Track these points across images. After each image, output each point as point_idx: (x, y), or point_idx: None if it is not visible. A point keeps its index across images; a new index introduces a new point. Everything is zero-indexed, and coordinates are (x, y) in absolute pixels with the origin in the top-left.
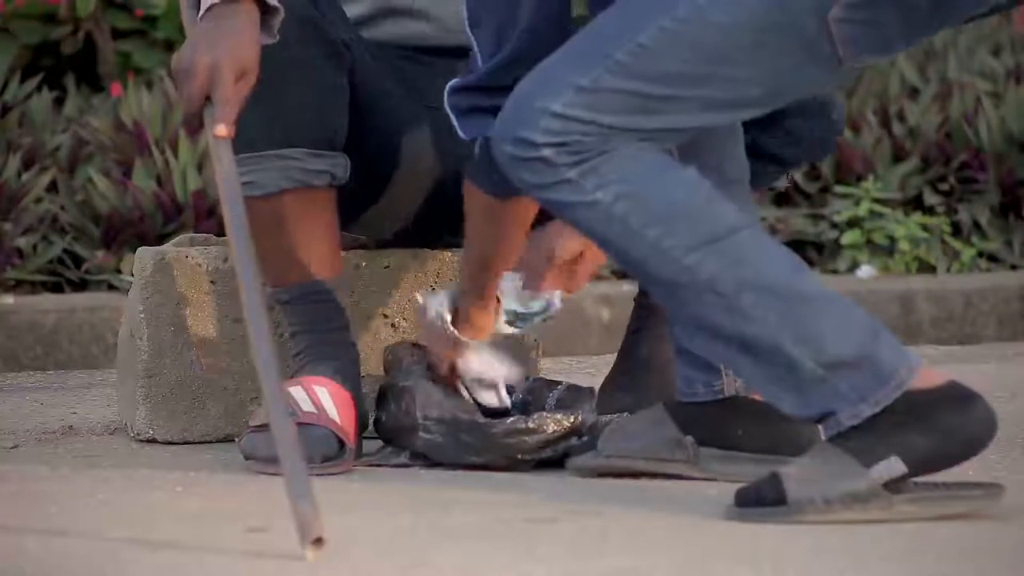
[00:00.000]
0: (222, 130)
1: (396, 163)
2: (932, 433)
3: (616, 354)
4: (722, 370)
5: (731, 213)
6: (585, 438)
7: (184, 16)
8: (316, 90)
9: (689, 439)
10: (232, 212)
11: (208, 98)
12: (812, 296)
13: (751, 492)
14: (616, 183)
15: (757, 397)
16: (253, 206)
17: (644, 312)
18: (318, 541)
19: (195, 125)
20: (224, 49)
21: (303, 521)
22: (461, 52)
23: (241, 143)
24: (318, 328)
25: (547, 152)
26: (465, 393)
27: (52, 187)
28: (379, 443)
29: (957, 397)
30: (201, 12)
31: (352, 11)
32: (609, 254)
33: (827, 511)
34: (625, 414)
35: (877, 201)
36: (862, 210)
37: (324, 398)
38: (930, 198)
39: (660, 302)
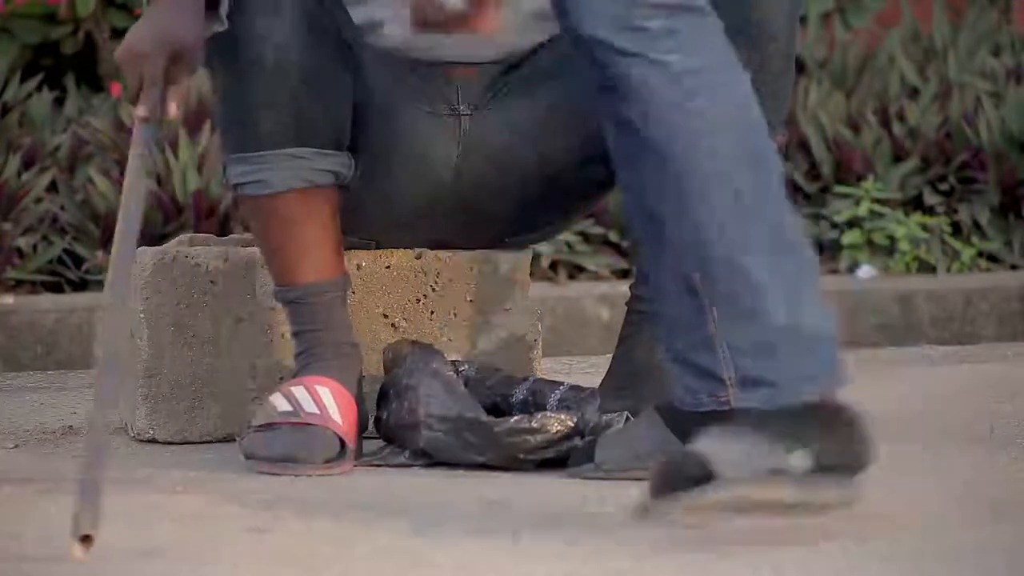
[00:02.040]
0: (142, 111)
1: (394, 167)
2: (838, 441)
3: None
4: (726, 381)
5: (772, 147)
6: (588, 438)
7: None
8: (325, 90)
9: None
10: (129, 193)
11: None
12: (805, 260)
13: (671, 471)
14: (692, 56)
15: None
16: (260, 205)
17: (636, 316)
18: (86, 539)
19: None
20: (157, 31)
21: (79, 513)
22: (462, 62)
23: (250, 142)
24: (321, 328)
25: None
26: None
27: (52, 187)
28: (379, 443)
29: (854, 415)
30: None
31: (355, 16)
32: (642, 136)
33: (755, 486)
34: (626, 413)
35: (877, 201)
36: (862, 210)
37: (327, 398)
38: (930, 198)
39: (656, 193)
